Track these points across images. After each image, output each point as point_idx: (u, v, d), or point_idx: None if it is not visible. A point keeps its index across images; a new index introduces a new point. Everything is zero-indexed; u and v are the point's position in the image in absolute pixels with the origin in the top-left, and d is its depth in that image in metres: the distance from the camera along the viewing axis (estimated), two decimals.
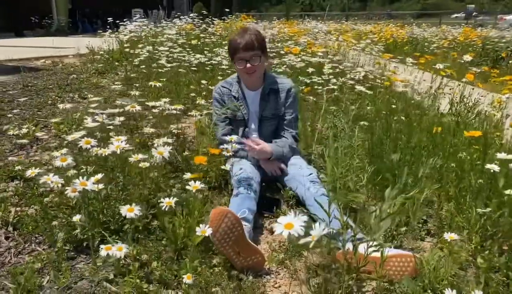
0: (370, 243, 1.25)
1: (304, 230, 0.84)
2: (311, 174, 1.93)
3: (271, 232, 1.77)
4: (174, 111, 1.98)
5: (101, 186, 1.30)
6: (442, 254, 1.45)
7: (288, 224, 0.81)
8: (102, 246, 1.14)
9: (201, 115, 2.23)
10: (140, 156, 1.39)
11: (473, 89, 3.04)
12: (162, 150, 1.37)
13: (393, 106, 2.98)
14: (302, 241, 0.86)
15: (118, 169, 1.87)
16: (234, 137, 1.77)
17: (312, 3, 54.38)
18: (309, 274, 1.46)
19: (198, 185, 1.29)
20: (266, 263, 1.48)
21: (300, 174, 1.93)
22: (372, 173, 1.92)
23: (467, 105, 3.04)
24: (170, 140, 1.55)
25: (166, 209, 1.27)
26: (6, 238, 1.55)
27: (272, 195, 2.02)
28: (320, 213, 1.43)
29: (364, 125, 2.02)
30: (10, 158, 2.11)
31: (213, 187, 2.02)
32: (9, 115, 2.77)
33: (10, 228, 1.59)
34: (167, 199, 1.29)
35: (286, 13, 23.39)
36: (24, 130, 2.37)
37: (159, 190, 1.80)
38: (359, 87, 2.54)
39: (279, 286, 1.39)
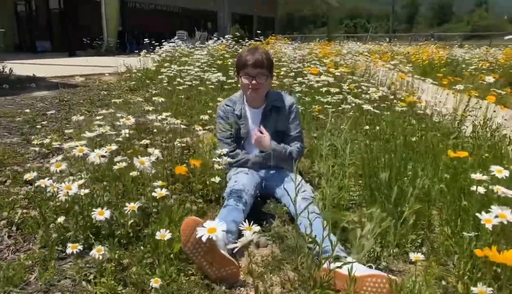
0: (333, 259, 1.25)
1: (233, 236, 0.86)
2: (304, 191, 1.93)
3: (257, 246, 1.79)
4: (177, 125, 2.07)
5: (86, 191, 1.39)
6: (419, 278, 1.41)
7: (211, 228, 0.85)
8: (69, 244, 1.22)
9: (205, 130, 2.31)
10: (124, 164, 1.48)
11: (494, 111, 2.92)
12: (144, 159, 1.45)
13: (409, 126, 2.92)
14: (230, 246, 0.89)
15: (121, 178, 1.98)
16: (224, 150, 1.83)
17: (356, 25, 54.21)
18: (284, 289, 1.46)
19: (164, 192, 1.35)
20: (242, 275, 1.51)
21: (293, 191, 1.94)
22: (366, 191, 1.91)
23: (490, 128, 2.93)
24: (157, 151, 1.63)
25: (129, 213, 1.33)
26: (9, 236, 1.69)
27: (267, 211, 2.04)
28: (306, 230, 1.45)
29: (360, 144, 2.01)
30: (28, 165, 2.29)
31: (209, 200, 2.08)
32: (38, 126, 3.01)
33: (14, 228, 1.73)
34: (131, 204, 1.36)
35: (327, 35, 23.52)
36: (47, 140, 2.56)
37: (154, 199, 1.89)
38: (366, 106, 2.52)
39: None
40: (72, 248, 1.22)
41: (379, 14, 71.17)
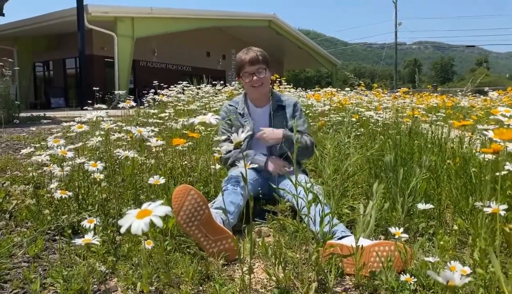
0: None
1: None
2: (307, 183, 1.87)
3: (259, 234, 1.70)
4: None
5: (83, 159, 1.36)
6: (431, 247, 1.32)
7: (204, 118, 0.81)
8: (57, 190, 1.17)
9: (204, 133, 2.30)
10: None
11: None
12: (141, 129, 1.43)
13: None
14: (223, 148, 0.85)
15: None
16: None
17: (361, 84, 55.96)
18: (287, 267, 1.36)
19: (161, 180, 1.27)
20: (242, 253, 1.41)
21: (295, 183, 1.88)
22: (371, 179, 1.84)
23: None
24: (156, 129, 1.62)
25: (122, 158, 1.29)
26: None
27: (269, 208, 1.97)
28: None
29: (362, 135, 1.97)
30: (29, 169, 2.28)
31: (209, 200, 2.01)
32: (43, 143, 3.04)
33: (7, 216, 1.67)
34: (126, 152, 1.32)
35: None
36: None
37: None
38: (368, 112, 2.51)
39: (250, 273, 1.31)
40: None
41: (383, 74, 73.44)
